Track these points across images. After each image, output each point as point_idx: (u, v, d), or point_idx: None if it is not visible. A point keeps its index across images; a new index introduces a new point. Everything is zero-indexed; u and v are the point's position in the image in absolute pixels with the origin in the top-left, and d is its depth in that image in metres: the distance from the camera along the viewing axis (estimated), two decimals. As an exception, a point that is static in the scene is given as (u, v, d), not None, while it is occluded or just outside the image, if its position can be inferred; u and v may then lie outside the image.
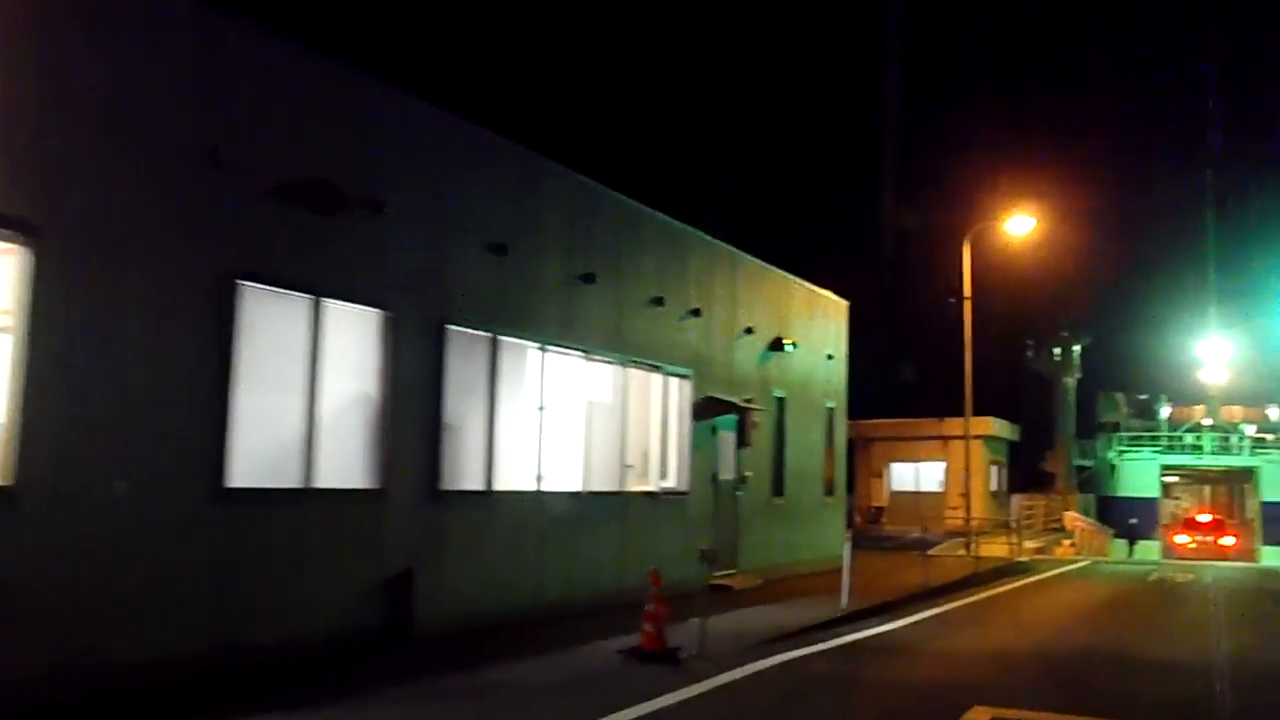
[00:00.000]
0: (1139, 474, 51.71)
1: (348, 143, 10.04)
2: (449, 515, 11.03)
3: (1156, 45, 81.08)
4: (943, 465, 40.06)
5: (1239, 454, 51.85)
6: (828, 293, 21.23)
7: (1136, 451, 53.03)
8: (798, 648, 10.78)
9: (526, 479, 12.24)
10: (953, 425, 40.18)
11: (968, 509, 27.77)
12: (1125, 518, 47.71)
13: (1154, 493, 51.66)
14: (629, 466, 14.49)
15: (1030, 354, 47.19)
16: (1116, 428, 56.29)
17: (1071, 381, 47.02)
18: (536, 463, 12.35)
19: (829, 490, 21.17)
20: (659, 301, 14.81)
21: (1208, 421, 56.82)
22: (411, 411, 10.55)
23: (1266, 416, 59.44)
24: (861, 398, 42.29)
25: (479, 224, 11.60)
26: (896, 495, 41.10)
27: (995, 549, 27.57)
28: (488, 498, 11.56)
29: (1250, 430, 55.45)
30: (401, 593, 10.21)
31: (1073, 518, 34.10)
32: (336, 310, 9.74)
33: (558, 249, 12.91)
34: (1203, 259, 66.25)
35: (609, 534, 13.71)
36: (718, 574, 15.92)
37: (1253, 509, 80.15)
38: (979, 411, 40.37)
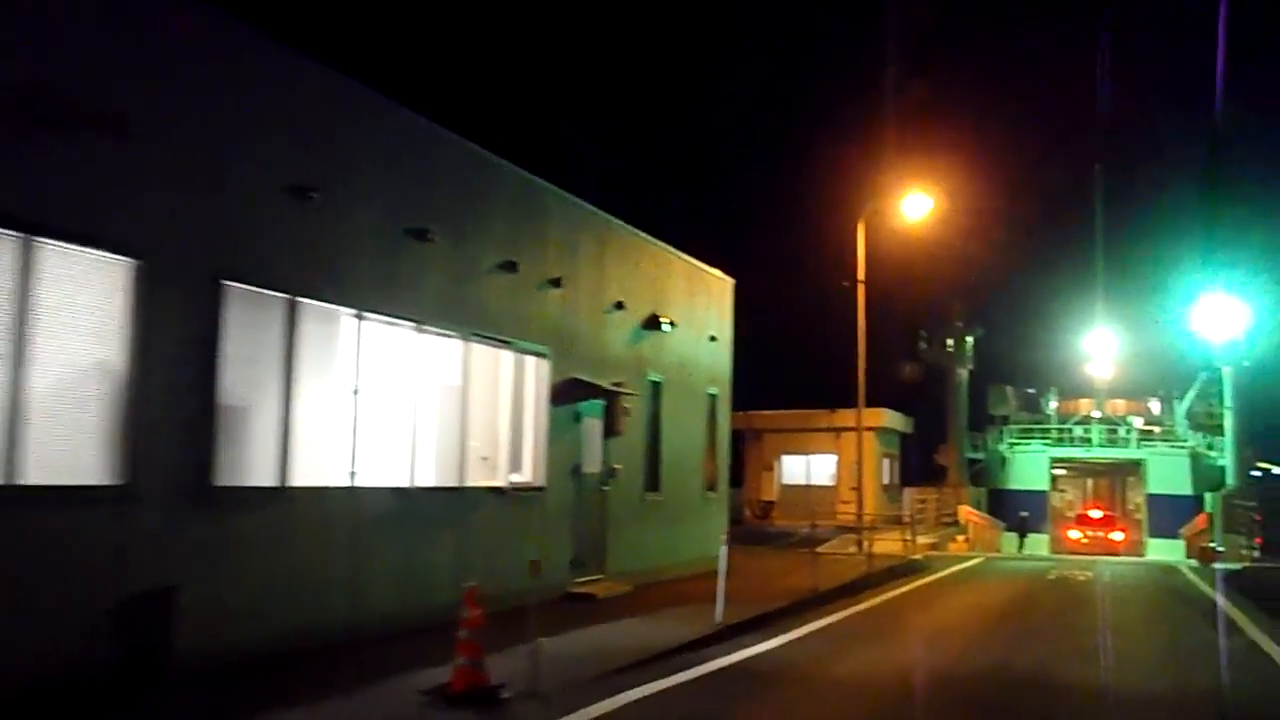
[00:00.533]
0: (1029, 466, 51.35)
1: (84, 43, 7.78)
2: (228, 518, 8.84)
3: (1047, 41, 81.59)
4: (834, 458, 38.81)
5: (1126, 446, 51.84)
6: (712, 270, 19.41)
7: (1027, 444, 52.69)
8: (659, 677, 8.86)
9: (337, 473, 10.09)
10: (845, 417, 38.95)
11: (860, 504, 26.39)
12: (1016, 511, 47.20)
13: (1044, 485, 51.38)
14: (484, 458, 12.47)
15: (924, 345, 46.25)
16: (1006, 421, 56.11)
17: (964, 373, 46.27)
18: (350, 453, 10.21)
19: (711, 485, 19.31)
20: (510, 267, 12.76)
21: (1097, 414, 56.90)
22: (173, 388, 8.33)
23: (1149, 409, 59.86)
24: (752, 387, 40.67)
25: (275, 159, 9.42)
26: (787, 489, 39.71)
27: (888, 545, 26.17)
28: (282, 495, 9.37)
29: (1138, 423, 55.63)
30: (154, 618, 8.02)
31: (967, 512, 33.05)
32: (60, 255, 7.49)
33: (382, 197, 10.75)
34: (1090, 253, 66.57)
35: (446, 538, 11.62)
36: (581, 580, 13.99)
37: (1138, 502, 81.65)
38: (871, 403, 39.20)
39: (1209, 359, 42.30)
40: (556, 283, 13.75)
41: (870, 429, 38.46)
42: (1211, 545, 27.54)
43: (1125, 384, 62.56)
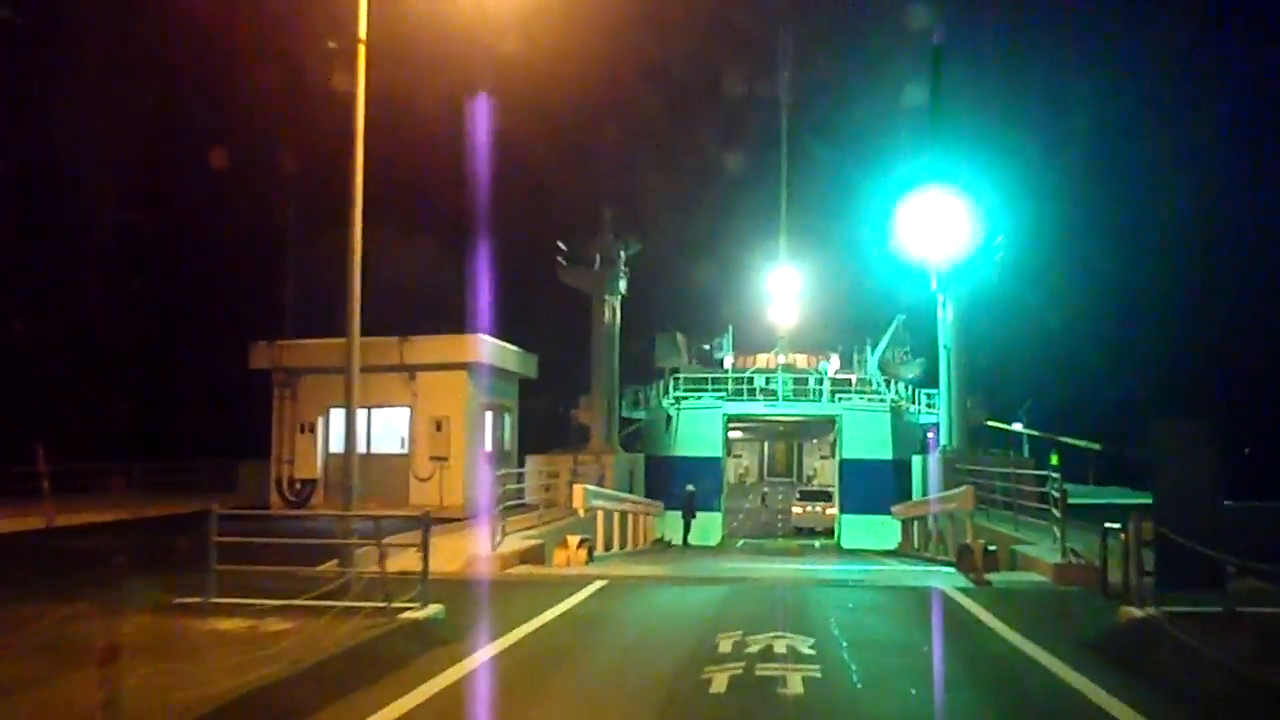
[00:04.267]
0: (700, 426, 40.06)
1: None
2: None
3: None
4: (408, 411, 25.24)
5: (818, 400, 41.48)
6: None
7: (697, 398, 41.41)
8: None
9: None
10: (426, 347, 25.56)
11: (346, 497, 13.09)
12: (683, 483, 35.81)
13: (718, 451, 40.22)
14: None
15: (562, 261, 33.44)
16: (677, 374, 44.71)
17: (615, 302, 33.87)
18: None
19: None
20: None
21: (783, 359, 46.71)
22: None
23: (830, 363, 50.86)
24: (281, 306, 26.63)
25: None
26: (339, 459, 25.67)
27: (436, 559, 13.01)
28: None
29: (833, 369, 45.82)
30: None
31: (584, 495, 19.73)
32: None
33: None
34: (775, 180, 56.94)
35: None
36: None
37: (816, 467, 73.58)
38: (464, 326, 25.92)
39: (923, 282, 31.88)
40: None
41: (458, 366, 25.23)
42: (984, 545, 16.10)
43: (809, 336, 53.46)
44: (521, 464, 29.28)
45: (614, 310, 34.09)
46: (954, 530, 19.77)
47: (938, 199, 29.60)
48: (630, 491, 32.56)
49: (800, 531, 42.51)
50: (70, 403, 32.26)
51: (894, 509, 30.05)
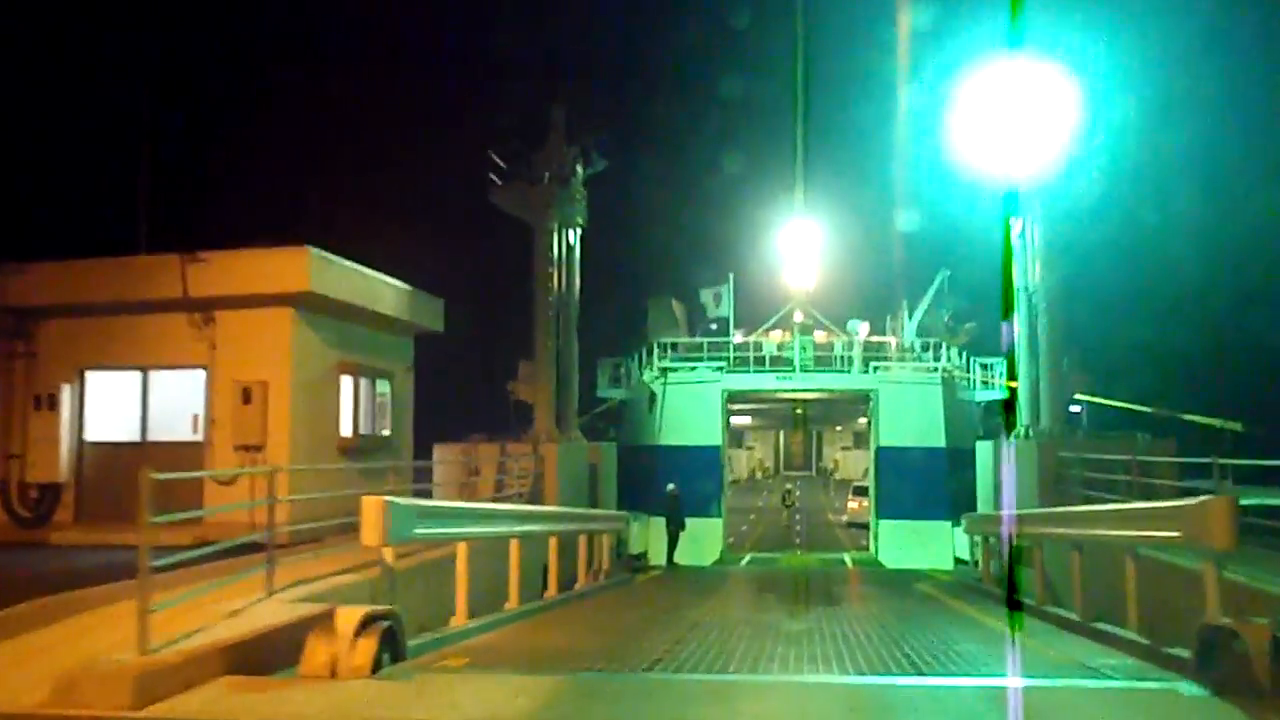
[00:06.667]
0: (693, 406, 30.75)
1: None
2: None
3: None
4: (204, 374, 15.94)
5: (847, 370, 31.99)
6: None
7: (689, 369, 32.05)
8: None
9: None
10: (227, 270, 16.23)
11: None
12: (668, 482, 26.71)
13: (716, 439, 30.86)
14: None
15: (495, 178, 24.10)
16: (674, 349, 35.16)
17: (571, 236, 24.56)
18: None
19: None
20: None
21: (800, 317, 37.43)
22: None
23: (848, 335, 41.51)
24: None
25: None
26: (99, 451, 16.42)
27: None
28: None
29: (863, 331, 36.38)
30: None
31: (382, 518, 9.94)
32: None
33: None
34: (788, 128, 47.92)
35: None
36: None
37: (837, 459, 64.08)
38: (294, 232, 16.41)
39: (980, 211, 22.69)
40: None
41: (275, 300, 15.87)
42: (1276, 633, 6.79)
43: (831, 305, 44.26)
44: (425, 456, 20.25)
45: (569, 248, 24.76)
46: (1136, 576, 10.18)
47: (1024, 73, 19.91)
48: (595, 495, 23.36)
49: (853, 527, 38.88)
50: None
51: (969, 520, 20.59)
